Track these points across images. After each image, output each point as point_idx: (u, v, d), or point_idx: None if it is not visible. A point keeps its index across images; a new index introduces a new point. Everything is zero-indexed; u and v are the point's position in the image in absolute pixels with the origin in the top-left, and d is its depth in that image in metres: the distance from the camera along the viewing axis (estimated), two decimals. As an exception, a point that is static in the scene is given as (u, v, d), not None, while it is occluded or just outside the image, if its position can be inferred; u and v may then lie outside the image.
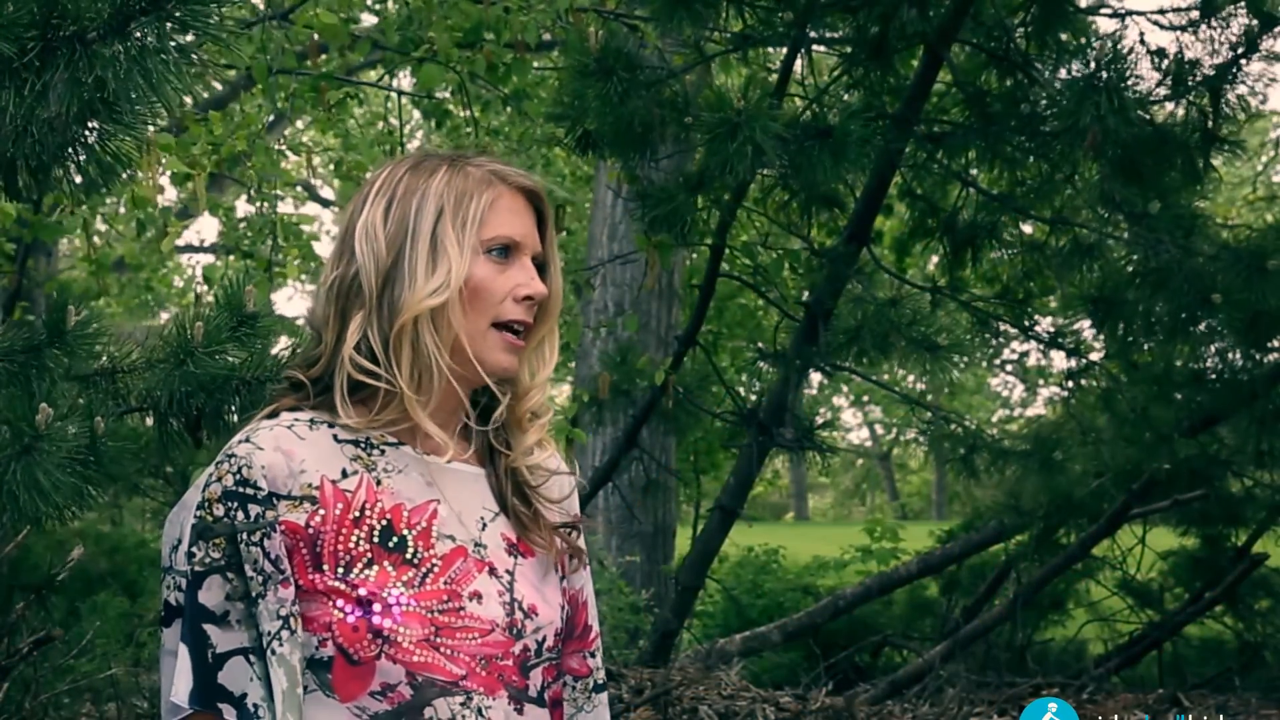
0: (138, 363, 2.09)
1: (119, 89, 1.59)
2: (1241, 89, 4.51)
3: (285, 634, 1.59)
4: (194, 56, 1.68)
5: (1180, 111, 4.71)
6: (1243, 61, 4.46)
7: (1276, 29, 4.48)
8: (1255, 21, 4.42)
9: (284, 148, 6.83)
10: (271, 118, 8.37)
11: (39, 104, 1.59)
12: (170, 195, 6.78)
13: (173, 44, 1.61)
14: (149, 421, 2.26)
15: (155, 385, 2.07)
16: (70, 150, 1.70)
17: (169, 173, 5.10)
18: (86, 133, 1.69)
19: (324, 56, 5.87)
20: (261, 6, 5.85)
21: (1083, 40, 5.09)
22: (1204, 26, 4.57)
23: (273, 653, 1.58)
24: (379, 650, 1.60)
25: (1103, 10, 5.98)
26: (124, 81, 1.57)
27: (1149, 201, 4.82)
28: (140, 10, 1.58)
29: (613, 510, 8.54)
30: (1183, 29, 4.71)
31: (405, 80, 8.54)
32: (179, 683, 1.59)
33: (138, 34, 1.59)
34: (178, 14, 1.57)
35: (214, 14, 1.59)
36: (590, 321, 8.63)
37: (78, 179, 1.75)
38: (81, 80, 1.58)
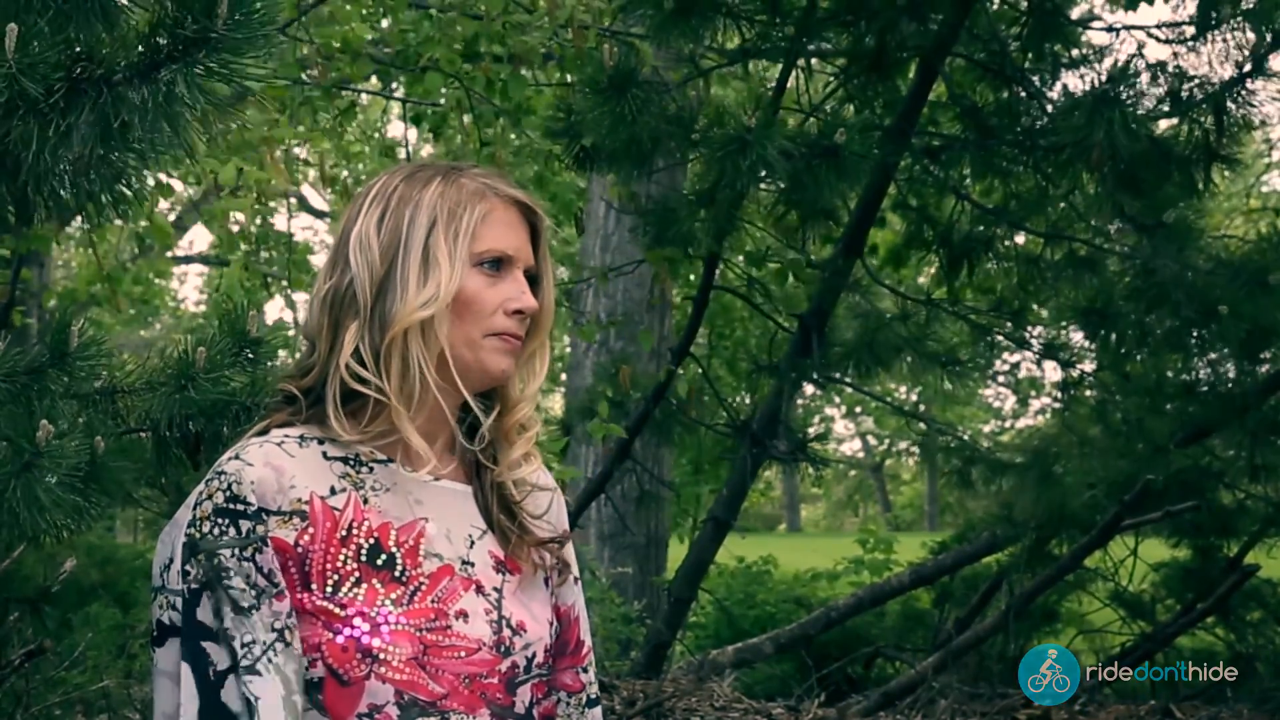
0: (138, 384, 2.09)
1: (143, 134, 1.59)
2: (1246, 107, 4.51)
3: (280, 645, 1.58)
4: (219, 102, 1.67)
5: (1180, 124, 4.71)
6: (1249, 81, 4.47)
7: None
8: (1254, 36, 4.42)
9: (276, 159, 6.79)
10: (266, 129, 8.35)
11: (63, 143, 1.59)
12: (162, 205, 6.75)
13: (200, 94, 1.61)
14: (143, 436, 2.25)
15: (155, 407, 2.06)
16: (85, 182, 1.69)
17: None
18: (103, 167, 1.69)
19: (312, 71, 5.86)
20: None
21: (1074, 53, 5.11)
22: (1202, 42, 4.58)
23: (269, 662, 1.57)
24: (368, 670, 1.59)
25: (1095, 24, 6.01)
26: (150, 125, 1.57)
27: (1152, 214, 4.83)
28: (169, 57, 1.57)
29: (605, 521, 8.53)
30: (1181, 43, 4.72)
31: (401, 94, 8.55)
32: (187, 705, 1.58)
33: (165, 80, 1.58)
34: (208, 63, 1.56)
35: (246, 64, 1.59)
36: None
37: (89, 207, 1.75)
38: (107, 122, 1.58)
